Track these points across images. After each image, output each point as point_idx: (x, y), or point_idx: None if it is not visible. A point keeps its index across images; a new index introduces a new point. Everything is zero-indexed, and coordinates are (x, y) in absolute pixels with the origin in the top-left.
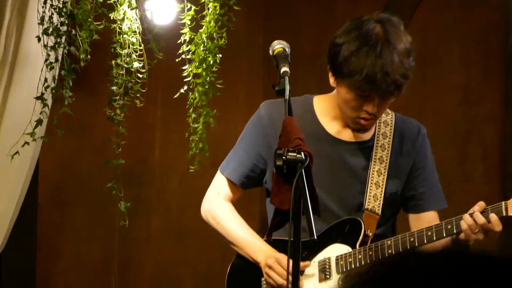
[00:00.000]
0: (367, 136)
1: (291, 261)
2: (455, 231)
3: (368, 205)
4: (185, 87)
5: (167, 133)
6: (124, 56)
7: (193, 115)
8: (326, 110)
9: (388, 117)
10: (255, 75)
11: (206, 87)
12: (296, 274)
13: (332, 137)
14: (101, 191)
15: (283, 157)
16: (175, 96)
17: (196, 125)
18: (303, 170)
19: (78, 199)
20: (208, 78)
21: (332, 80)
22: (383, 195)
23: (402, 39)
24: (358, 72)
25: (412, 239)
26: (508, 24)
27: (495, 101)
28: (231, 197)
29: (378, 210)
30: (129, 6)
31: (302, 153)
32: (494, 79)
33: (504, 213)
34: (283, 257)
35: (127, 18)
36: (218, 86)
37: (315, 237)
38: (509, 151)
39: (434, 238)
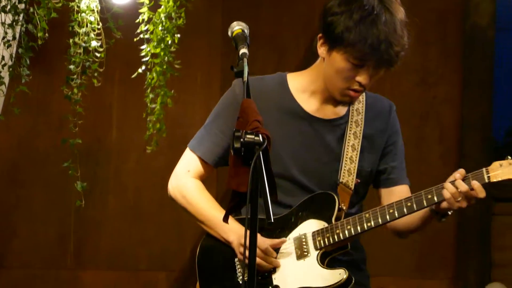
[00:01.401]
0: (342, 112)
1: (259, 238)
2: (436, 200)
3: (343, 179)
4: (143, 67)
5: (125, 113)
6: (82, 34)
7: (151, 95)
8: (302, 87)
9: None
10: (214, 56)
11: (164, 67)
12: (253, 256)
13: (309, 115)
14: (57, 170)
15: (241, 139)
16: (133, 76)
17: (153, 106)
18: (261, 152)
19: (34, 178)
20: (166, 58)
21: (322, 50)
22: (356, 170)
23: (401, 9)
24: (362, 41)
25: (391, 211)
26: (466, 6)
27: (453, 83)
28: (202, 175)
29: (351, 185)
30: None
31: (260, 135)
32: (452, 61)
33: (486, 180)
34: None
35: None
36: (176, 66)
37: (272, 221)
38: (466, 134)
39: (415, 208)
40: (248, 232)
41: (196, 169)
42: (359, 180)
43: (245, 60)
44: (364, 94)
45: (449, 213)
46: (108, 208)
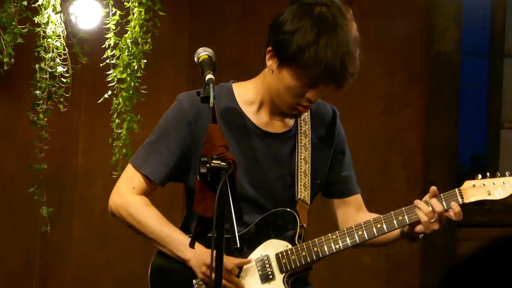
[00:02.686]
0: (290, 123)
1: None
2: (408, 222)
3: (300, 195)
4: (109, 92)
5: (91, 138)
6: (48, 60)
7: (117, 121)
8: (250, 99)
9: None
10: (180, 81)
11: (131, 92)
12: (220, 278)
13: (260, 130)
14: (23, 195)
15: (207, 165)
16: (99, 101)
17: (119, 131)
18: (227, 178)
19: (0, 204)
20: (132, 84)
21: (271, 63)
22: (310, 183)
23: (353, 25)
24: (317, 64)
25: (360, 232)
26: (432, 32)
27: (418, 109)
28: (146, 193)
29: (308, 200)
30: (54, 10)
31: (226, 161)
32: (417, 87)
33: (460, 201)
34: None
35: (51, 22)
36: (143, 91)
37: (238, 246)
38: (431, 159)
39: (386, 230)
40: (214, 253)
41: (140, 187)
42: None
43: (211, 85)
44: None
45: (420, 237)
46: (74, 232)
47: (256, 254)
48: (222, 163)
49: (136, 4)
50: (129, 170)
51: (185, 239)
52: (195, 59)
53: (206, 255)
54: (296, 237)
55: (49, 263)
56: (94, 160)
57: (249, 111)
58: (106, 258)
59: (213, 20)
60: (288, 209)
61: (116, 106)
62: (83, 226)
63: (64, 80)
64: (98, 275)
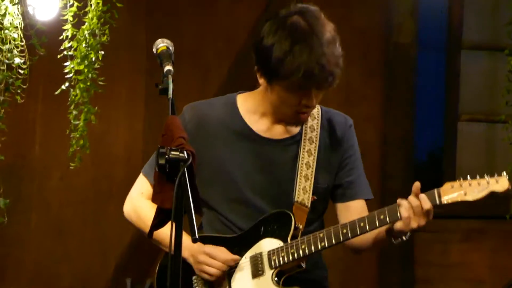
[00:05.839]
0: (295, 130)
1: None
2: (388, 221)
3: (298, 197)
4: (67, 84)
5: (48, 129)
6: (5, 51)
7: (74, 112)
8: (252, 108)
9: (314, 110)
10: (138, 72)
11: (88, 83)
12: (178, 269)
13: (259, 136)
14: None
15: (166, 156)
16: (57, 93)
17: (77, 122)
18: (185, 169)
19: None
20: (90, 75)
21: (262, 81)
22: (311, 187)
23: (327, 28)
24: (295, 71)
25: (345, 231)
26: (389, 25)
27: (375, 102)
28: None
29: (308, 202)
30: (11, 1)
31: (185, 152)
32: (374, 80)
33: (437, 201)
34: (211, 249)
35: (8, 13)
36: (100, 83)
37: (196, 237)
38: (388, 151)
39: (368, 229)
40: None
41: (148, 192)
42: (315, 197)
43: (170, 77)
44: (319, 109)
45: (404, 238)
46: (31, 225)
47: (252, 252)
48: (180, 154)
49: None
50: (139, 178)
51: (184, 239)
52: (154, 50)
53: (202, 250)
54: (289, 237)
55: (6, 255)
56: (51, 151)
57: (250, 119)
58: (64, 251)
59: (169, 11)
60: (285, 210)
61: (73, 97)
62: (40, 218)
63: (22, 72)
64: (56, 268)
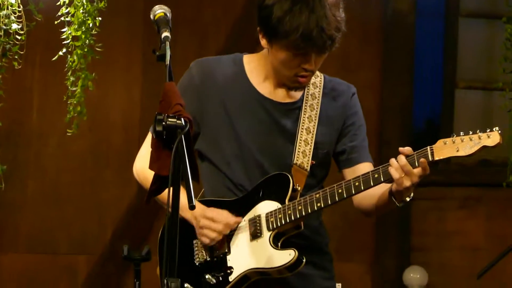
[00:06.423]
0: (296, 96)
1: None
2: (382, 179)
3: (297, 160)
4: (64, 50)
5: (45, 96)
6: (2, 17)
7: (72, 78)
8: (257, 70)
9: (317, 79)
10: (135, 38)
11: (85, 50)
12: (175, 240)
13: (263, 98)
14: None
15: (163, 123)
16: (54, 59)
17: (74, 88)
18: (182, 136)
19: None
20: (87, 41)
21: (264, 42)
22: (311, 152)
23: None
24: (294, 31)
25: (340, 191)
26: None
27: (373, 69)
28: None
29: (307, 166)
30: None
31: (182, 119)
32: (372, 46)
33: (430, 158)
34: (213, 213)
35: None
36: (97, 49)
37: (193, 204)
38: (386, 118)
39: (362, 188)
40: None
41: None
42: (314, 162)
43: (167, 43)
44: (322, 79)
45: (407, 199)
46: (28, 191)
47: (250, 214)
48: (178, 121)
49: None
50: (148, 136)
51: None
52: (151, 16)
53: (203, 214)
54: (287, 199)
55: (3, 221)
56: (48, 118)
57: (255, 80)
58: (61, 217)
59: None
60: (283, 172)
61: (70, 63)
62: (37, 184)
63: (19, 38)
64: (53, 234)
